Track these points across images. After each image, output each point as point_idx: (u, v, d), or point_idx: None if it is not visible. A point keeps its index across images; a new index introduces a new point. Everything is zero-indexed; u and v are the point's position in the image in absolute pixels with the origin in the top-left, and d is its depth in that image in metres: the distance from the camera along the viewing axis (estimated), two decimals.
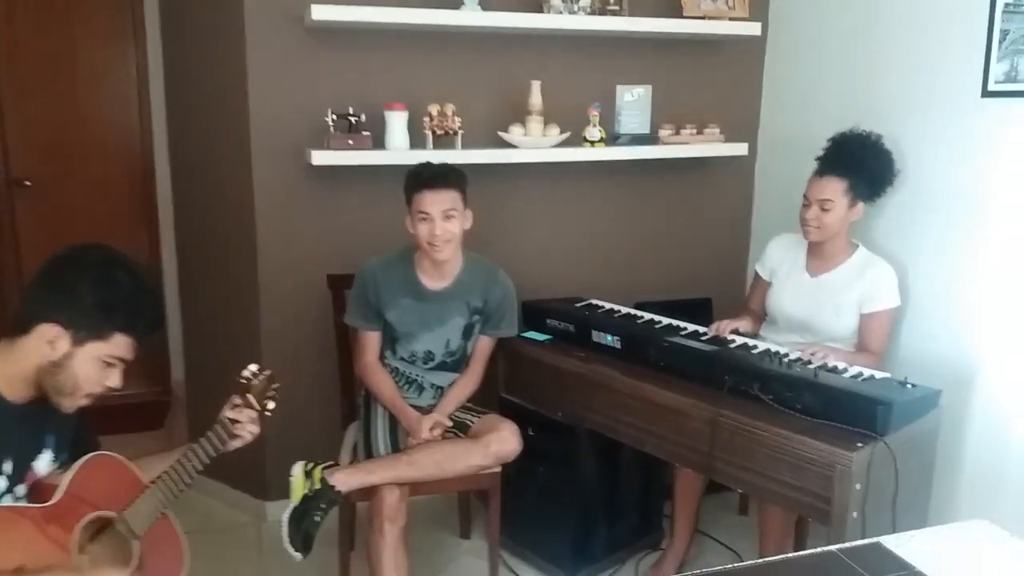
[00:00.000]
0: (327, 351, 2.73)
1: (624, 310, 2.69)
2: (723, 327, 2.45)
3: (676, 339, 2.35)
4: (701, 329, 2.47)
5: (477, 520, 2.84)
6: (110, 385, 1.63)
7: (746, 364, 2.15)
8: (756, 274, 2.77)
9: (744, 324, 2.51)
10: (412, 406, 2.47)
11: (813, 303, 2.53)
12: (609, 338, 2.45)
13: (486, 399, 2.62)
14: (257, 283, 2.79)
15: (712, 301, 3.17)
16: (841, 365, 2.16)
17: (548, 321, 2.65)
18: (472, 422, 2.46)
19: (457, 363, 2.52)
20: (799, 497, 1.95)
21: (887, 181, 2.53)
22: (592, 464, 2.54)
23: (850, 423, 1.92)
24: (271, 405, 1.95)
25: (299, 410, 2.83)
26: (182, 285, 3.33)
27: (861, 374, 2.11)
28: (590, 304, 2.78)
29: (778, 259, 2.68)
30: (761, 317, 2.74)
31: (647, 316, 2.61)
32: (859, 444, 1.85)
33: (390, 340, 2.51)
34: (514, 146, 2.82)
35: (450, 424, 2.41)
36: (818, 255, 2.57)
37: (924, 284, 2.60)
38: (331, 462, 2.24)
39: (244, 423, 1.85)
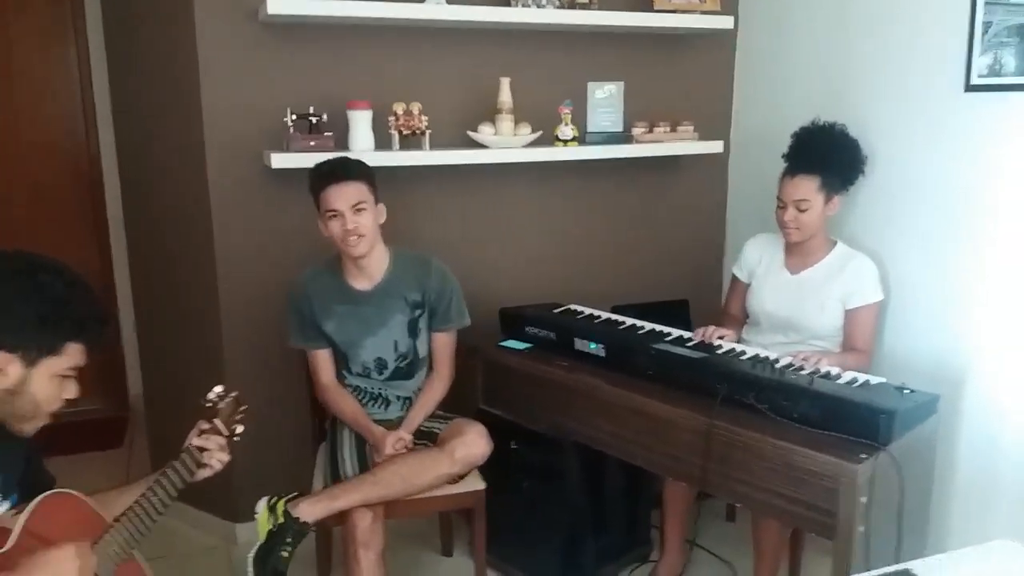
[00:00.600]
0: (295, 366, 2.58)
1: (604, 315, 2.60)
2: (709, 333, 2.36)
3: (663, 346, 2.26)
4: (686, 334, 2.38)
5: (459, 537, 2.72)
6: (68, 397, 1.52)
7: (739, 372, 2.06)
8: (734, 276, 2.70)
9: (730, 335, 2.42)
10: (380, 421, 2.35)
11: (795, 300, 2.47)
12: (593, 346, 2.35)
13: (462, 411, 2.50)
14: (217, 295, 2.62)
15: (689, 302, 3.09)
16: (835, 370, 2.09)
17: (527, 329, 2.54)
18: (440, 430, 2.34)
19: (412, 367, 2.40)
20: (800, 511, 1.87)
21: (858, 170, 2.49)
22: (578, 477, 2.44)
23: (851, 433, 1.85)
24: (239, 429, 1.83)
25: (268, 428, 2.69)
26: (136, 296, 3.14)
27: (856, 379, 2.04)
28: (568, 310, 2.67)
29: (755, 259, 2.62)
30: (742, 321, 2.68)
31: (629, 321, 2.52)
32: (863, 455, 1.78)
33: (341, 357, 2.38)
34: (484, 146, 2.70)
35: (411, 442, 2.28)
36: (797, 253, 2.51)
37: (904, 280, 2.55)
38: (294, 493, 2.10)
39: (213, 451, 1.72)
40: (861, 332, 2.40)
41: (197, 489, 2.58)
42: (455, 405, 2.50)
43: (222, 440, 1.73)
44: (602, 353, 2.33)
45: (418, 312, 2.36)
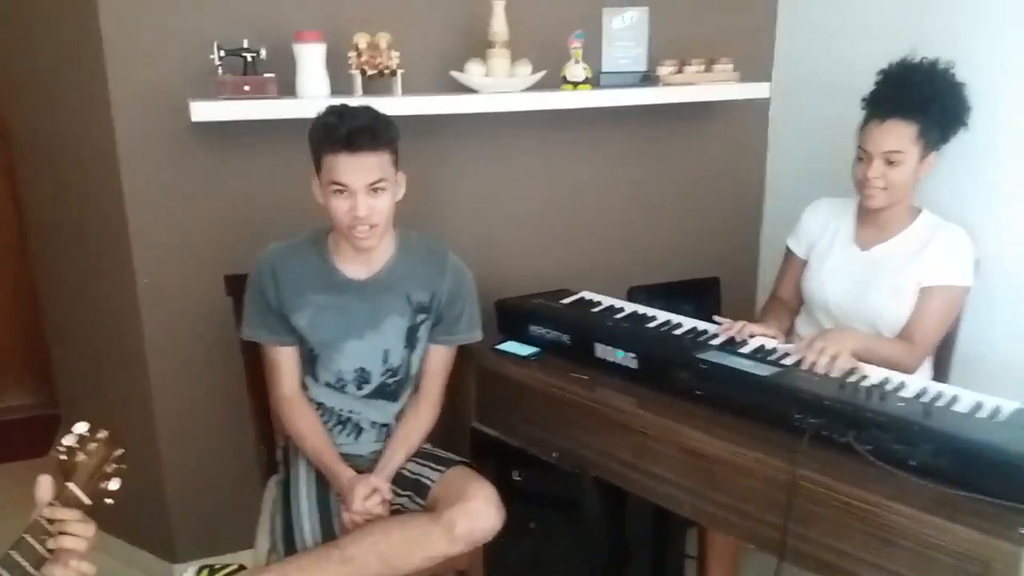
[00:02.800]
0: (235, 375, 2.01)
1: (628, 307, 2.05)
2: (737, 329, 1.84)
3: (715, 356, 1.71)
4: (738, 337, 1.84)
5: None
6: None
7: (829, 398, 1.52)
8: (788, 251, 2.17)
9: (771, 332, 1.89)
10: (348, 456, 1.80)
11: (864, 283, 1.96)
12: (620, 354, 1.80)
13: (451, 430, 1.96)
14: (135, 287, 2.06)
15: (720, 281, 2.54)
16: (897, 377, 1.61)
17: (532, 329, 1.98)
18: (431, 481, 1.78)
19: (402, 386, 1.85)
20: None
21: (960, 121, 1.93)
22: (599, 512, 1.92)
23: (999, 494, 1.32)
24: (114, 486, 1.23)
25: (207, 452, 2.18)
26: (40, 278, 2.56)
27: (980, 405, 1.51)
28: (582, 300, 2.12)
29: (817, 230, 2.09)
30: (795, 308, 2.15)
31: (660, 316, 1.98)
32: (1022, 530, 1.26)
33: (308, 361, 1.82)
34: (473, 90, 2.12)
35: (391, 495, 1.74)
36: (872, 223, 1.99)
37: (998, 263, 2.02)
38: (236, 566, 1.56)
39: (69, 536, 1.13)
40: (925, 319, 1.88)
41: (129, 521, 2.06)
42: (441, 422, 1.95)
43: (77, 516, 1.15)
44: (633, 364, 1.78)
45: (421, 317, 1.81)
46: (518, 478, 1.95)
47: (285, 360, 1.81)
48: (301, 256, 1.78)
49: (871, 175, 1.87)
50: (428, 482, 1.77)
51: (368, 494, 1.67)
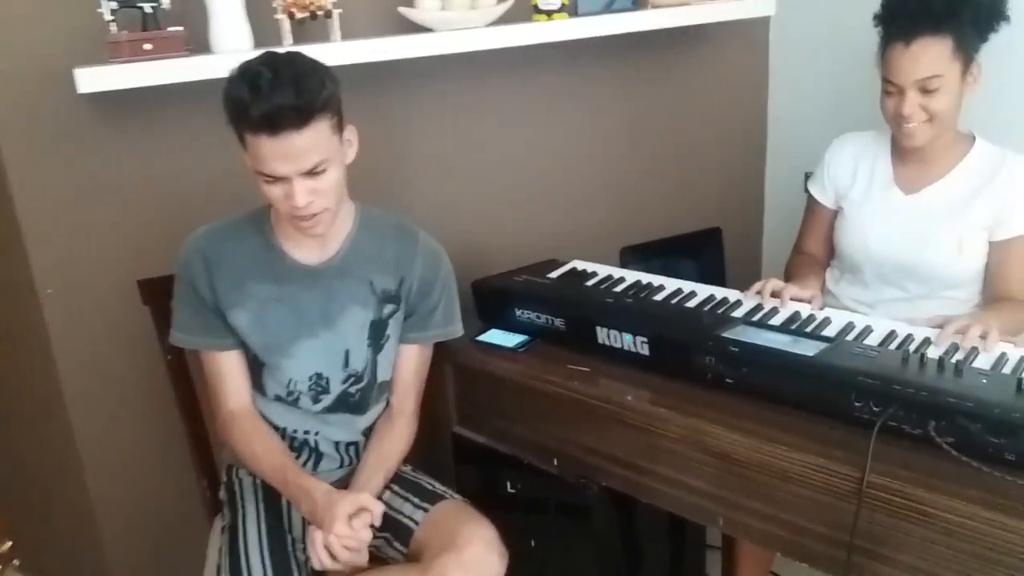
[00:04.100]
0: (164, 395, 1.69)
1: (628, 277, 1.75)
2: (770, 289, 1.56)
3: (745, 336, 1.42)
4: (766, 303, 1.55)
5: None
6: None
7: (899, 383, 1.22)
8: (810, 199, 1.87)
9: (811, 291, 1.60)
10: None
11: (917, 235, 1.66)
12: (628, 339, 1.50)
13: (427, 446, 1.65)
14: (37, 299, 1.71)
15: (722, 231, 2.26)
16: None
17: (518, 313, 1.67)
18: (415, 522, 1.46)
19: (368, 395, 1.52)
20: None
21: (1000, 14, 1.60)
22: (609, 524, 1.64)
23: None
24: None
25: (142, 485, 1.85)
26: None
27: None
28: (573, 272, 1.81)
29: (846, 173, 1.78)
30: (824, 263, 1.87)
31: (668, 285, 1.68)
32: None
33: (253, 371, 1.50)
34: (426, 28, 1.79)
35: (381, 514, 1.40)
36: (914, 159, 1.68)
37: None
38: None
39: None
40: (1018, 273, 1.60)
41: (60, 564, 1.80)
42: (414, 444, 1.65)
43: None
44: (644, 350, 1.48)
45: (389, 309, 1.49)
46: (512, 490, 1.66)
47: (230, 367, 1.48)
48: (238, 237, 1.45)
49: (907, 111, 1.56)
50: (411, 524, 1.45)
51: (354, 512, 1.34)
